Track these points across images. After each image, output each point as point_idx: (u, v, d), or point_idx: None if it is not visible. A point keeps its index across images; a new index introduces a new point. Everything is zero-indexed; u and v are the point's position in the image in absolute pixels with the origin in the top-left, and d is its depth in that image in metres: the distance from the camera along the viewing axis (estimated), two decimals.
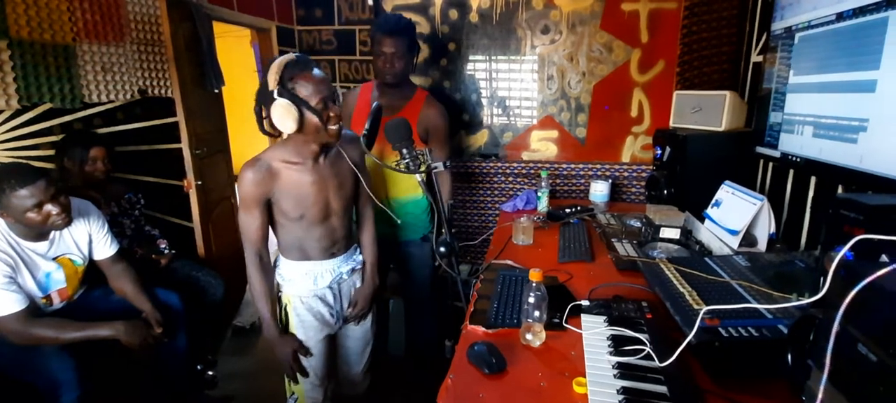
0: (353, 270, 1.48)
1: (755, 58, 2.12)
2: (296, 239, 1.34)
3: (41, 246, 1.53)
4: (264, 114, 1.18)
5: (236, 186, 1.26)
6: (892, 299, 0.55)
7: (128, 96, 2.12)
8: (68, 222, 1.52)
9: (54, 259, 1.57)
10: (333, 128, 1.20)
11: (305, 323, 1.39)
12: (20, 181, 1.38)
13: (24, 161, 1.74)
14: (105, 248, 1.69)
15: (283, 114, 1.13)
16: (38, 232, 1.51)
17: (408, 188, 1.88)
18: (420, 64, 2.75)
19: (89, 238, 1.65)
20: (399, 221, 1.85)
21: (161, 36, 2.22)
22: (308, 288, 1.37)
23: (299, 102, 1.14)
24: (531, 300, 1.07)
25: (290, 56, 1.17)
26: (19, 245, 1.48)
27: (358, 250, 1.52)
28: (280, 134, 1.22)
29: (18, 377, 1.49)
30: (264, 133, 1.23)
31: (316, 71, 1.17)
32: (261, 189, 1.23)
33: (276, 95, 1.13)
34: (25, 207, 1.40)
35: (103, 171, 1.87)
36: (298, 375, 1.40)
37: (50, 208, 1.44)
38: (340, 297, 1.46)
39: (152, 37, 2.23)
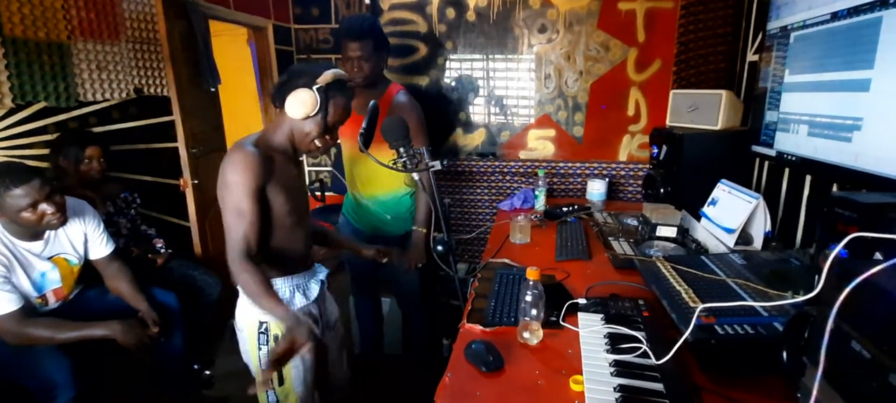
0: (326, 275, 1.45)
1: (751, 57, 2.12)
2: (278, 246, 1.25)
3: (36, 245, 1.52)
4: (285, 89, 1.17)
5: (228, 175, 1.13)
6: (885, 297, 0.56)
7: (123, 95, 2.11)
8: (63, 221, 1.51)
9: (49, 258, 1.56)
10: (318, 146, 1.23)
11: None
12: (15, 180, 1.38)
13: (19, 160, 1.73)
14: (101, 248, 1.69)
15: (305, 102, 1.14)
16: (33, 232, 1.50)
17: (391, 185, 1.88)
18: (417, 62, 2.76)
19: (85, 237, 1.65)
20: (389, 217, 1.86)
21: (157, 34, 2.21)
22: (300, 304, 1.31)
23: (323, 109, 1.17)
24: (528, 298, 1.07)
25: (346, 77, 1.22)
26: (14, 244, 1.47)
27: None
28: (280, 109, 1.20)
29: (12, 379, 1.48)
30: (273, 103, 1.24)
31: (349, 105, 1.23)
32: (259, 175, 1.13)
33: (314, 87, 1.15)
34: (20, 206, 1.39)
35: (99, 171, 1.87)
36: (289, 384, 1.32)
37: (45, 207, 1.43)
38: (323, 306, 1.43)
39: (148, 35, 2.22)
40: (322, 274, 1.43)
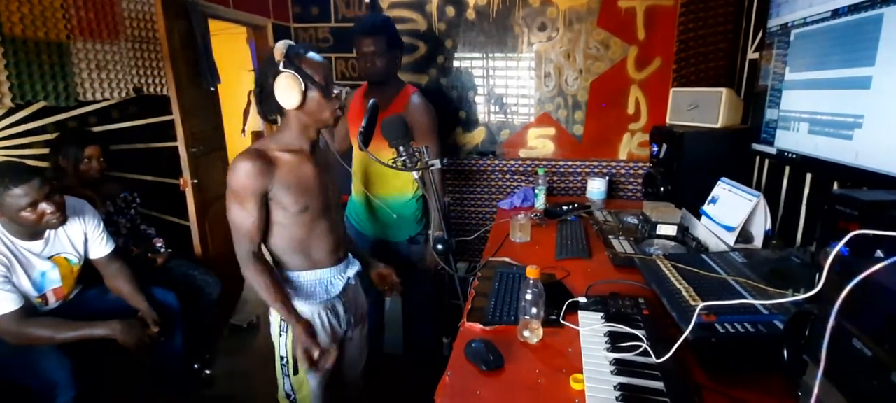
0: (357, 273, 1.45)
1: (751, 54, 2.12)
2: (299, 240, 1.26)
3: (36, 245, 1.52)
4: (266, 92, 1.17)
5: (229, 181, 1.18)
6: (887, 294, 0.55)
7: (123, 94, 2.11)
8: (63, 221, 1.51)
9: (49, 258, 1.56)
10: (337, 108, 1.21)
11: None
12: (14, 180, 1.38)
13: (19, 160, 1.73)
14: (101, 247, 1.68)
15: (290, 86, 1.13)
16: (33, 232, 1.50)
17: (396, 187, 1.88)
18: (417, 61, 2.75)
19: (85, 237, 1.65)
20: (395, 216, 1.86)
21: (156, 33, 2.21)
22: (320, 299, 1.32)
23: (304, 76, 1.15)
24: (528, 297, 1.07)
25: (292, 42, 1.20)
26: (14, 244, 1.47)
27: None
28: (280, 114, 1.20)
29: (12, 379, 1.48)
30: (264, 118, 1.24)
31: (317, 55, 1.20)
32: (258, 181, 1.15)
33: (281, 68, 1.13)
34: (20, 206, 1.39)
35: (98, 170, 1.87)
36: (303, 374, 1.33)
37: (44, 207, 1.43)
38: (350, 301, 1.43)
39: (147, 34, 2.22)
40: (352, 269, 1.43)
